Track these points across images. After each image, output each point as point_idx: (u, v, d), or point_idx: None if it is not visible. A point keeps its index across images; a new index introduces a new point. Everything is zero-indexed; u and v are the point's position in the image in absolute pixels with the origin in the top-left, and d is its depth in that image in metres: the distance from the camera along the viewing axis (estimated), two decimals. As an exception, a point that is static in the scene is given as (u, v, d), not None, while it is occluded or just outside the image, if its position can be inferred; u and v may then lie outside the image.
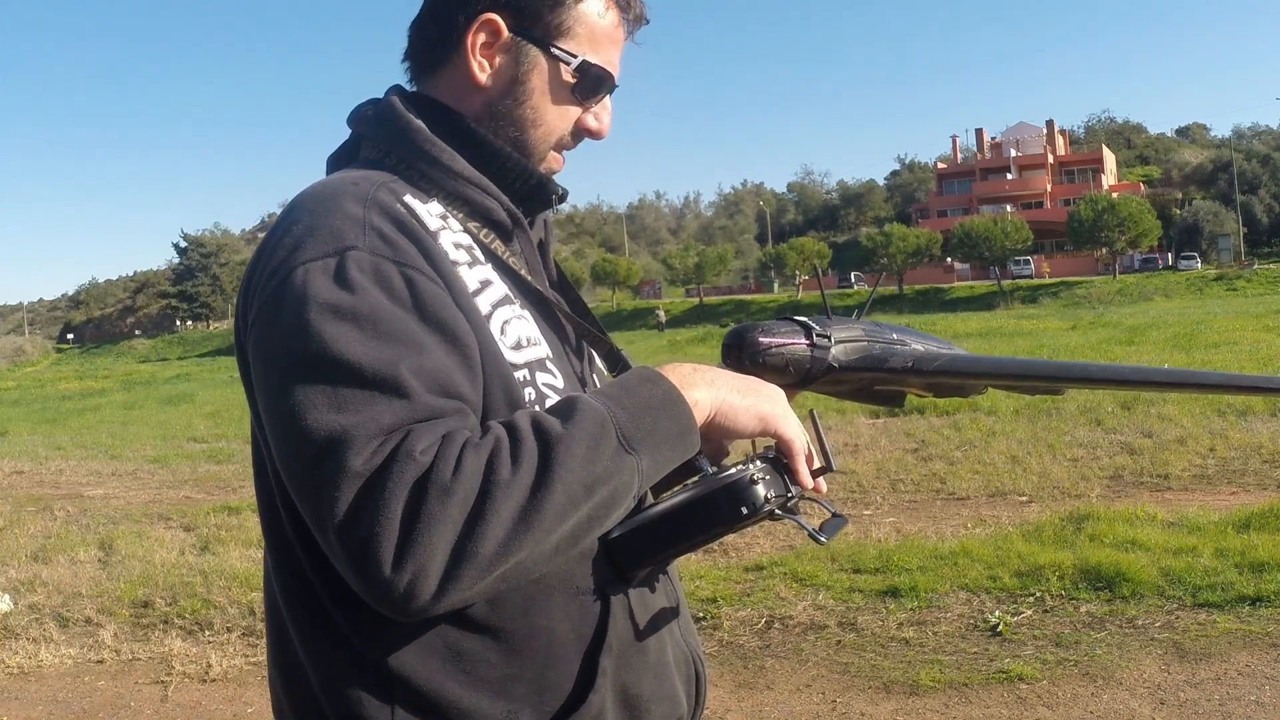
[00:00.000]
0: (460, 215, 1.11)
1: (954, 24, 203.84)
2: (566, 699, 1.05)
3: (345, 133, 1.22)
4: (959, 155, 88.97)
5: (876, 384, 1.51)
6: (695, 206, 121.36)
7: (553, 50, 1.14)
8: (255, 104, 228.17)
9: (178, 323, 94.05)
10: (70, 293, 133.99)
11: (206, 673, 4.71)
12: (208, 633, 5.27)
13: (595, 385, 1.22)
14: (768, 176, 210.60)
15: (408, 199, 1.07)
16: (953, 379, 1.46)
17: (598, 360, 1.27)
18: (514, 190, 1.16)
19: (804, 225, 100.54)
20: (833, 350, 1.38)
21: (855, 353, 1.41)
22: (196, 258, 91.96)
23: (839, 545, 5.86)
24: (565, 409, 0.97)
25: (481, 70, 1.14)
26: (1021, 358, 1.69)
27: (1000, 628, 4.50)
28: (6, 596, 6.04)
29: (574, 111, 1.18)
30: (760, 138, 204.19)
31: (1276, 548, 5.04)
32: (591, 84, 1.17)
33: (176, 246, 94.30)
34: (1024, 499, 7.21)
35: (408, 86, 1.22)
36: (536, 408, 1.05)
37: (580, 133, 1.20)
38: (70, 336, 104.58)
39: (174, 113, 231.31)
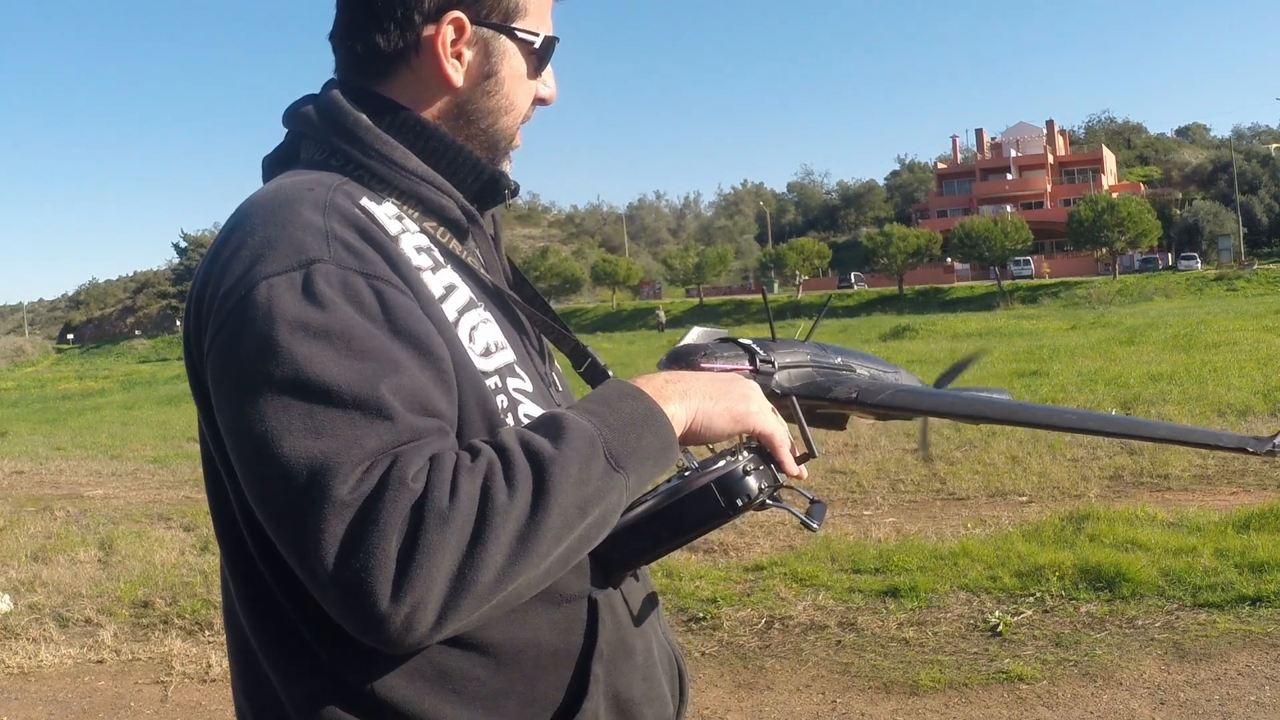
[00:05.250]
0: (415, 215, 1.07)
1: (954, 24, 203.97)
2: (560, 709, 1.03)
3: None
4: (959, 155, 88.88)
5: (819, 409, 1.50)
6: (695, 206, 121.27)
7: (518, 34, 1.11)
8: (256, 104, 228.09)
9: (178, 323, 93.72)
10: (70, 293, 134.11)
11: (206, 673, 4.71)
12: (208, 633, 5.27)
13: (556, 384, 1.20)
14: (768, 176, 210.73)
15: (364, 202, 1.02)
16: (896, 413, 1.46)
17: (555, 358, 1.26)
18: (467, 186, 1.12)
19: (804, 225, 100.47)
20: (776, 376, 1.37)
21: (800, 379, 1.41)
22: (196, 258, 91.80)
23: (839, 545, 5.87)
24: (553, 427, 0.94)
25: (455, 71, 1.09)
26: (968, 395, 1.65)
27: (1000, 628, 4.50)
28: (6, 596, 6.04)
29: (534, 86, 1.16)
30: (760, 138, 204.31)
31: (1276, 548, 5.04)
32: (546, 57, 1.15)
33: (176, 246, 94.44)
34: (1024, 499, 7.21)
35: None
36: (508, 416, 1.03)
37: (535, 103, 1.18)
38: (70, 336, 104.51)
39: (174, 113, 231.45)
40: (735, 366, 1.34)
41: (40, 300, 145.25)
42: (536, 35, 1.12)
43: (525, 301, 1.17)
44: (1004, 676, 4.01)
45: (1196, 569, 4.94)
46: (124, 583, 6.26)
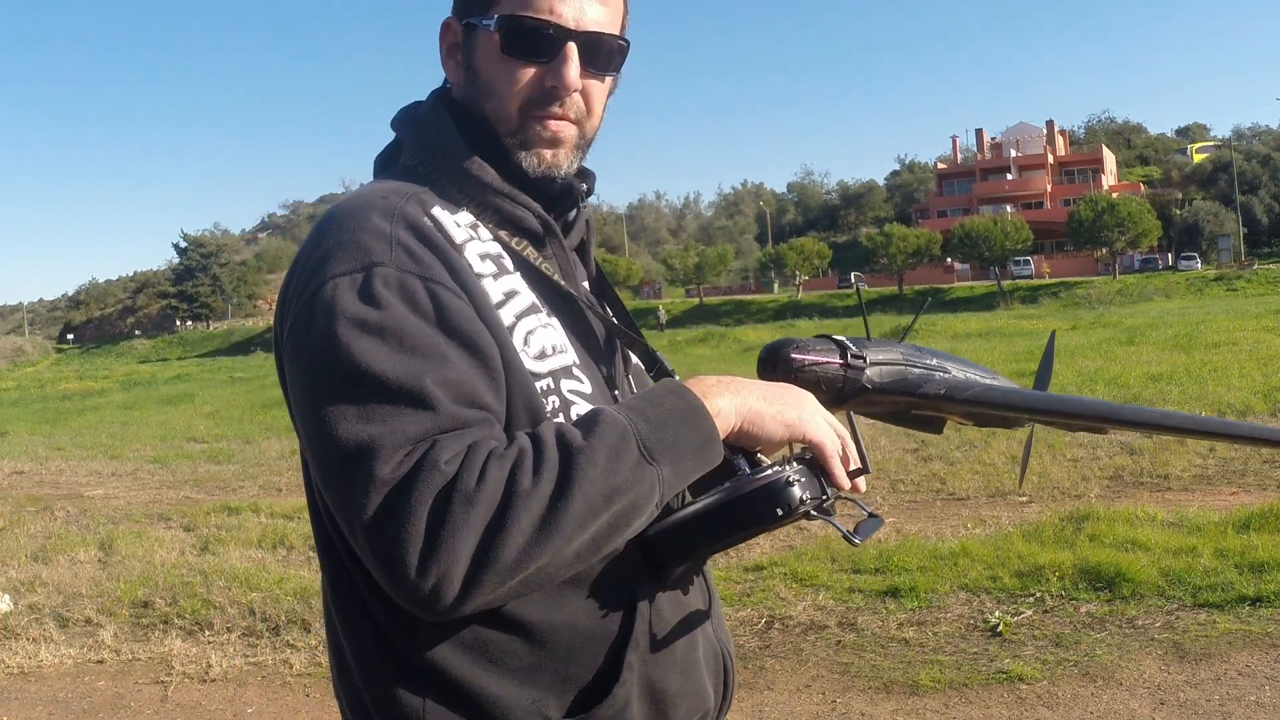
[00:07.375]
0: (491, 224, 1.15)
1: (953, 24, 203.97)
2: (592, 691, 1.09)
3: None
4: (959, 155, 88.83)
5: (913, 408, 1.50)
6: (695, 206, 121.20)
7: (469, 22, 1.17)
8: (255, 104, 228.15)
9: (178, 323, 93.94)
10: (70, 293, 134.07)
11: (206, 673, 4.71)
12: (208, 633, 5.27)
13: (631, 387, 1.25)
14: (768, 176, 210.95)
15: (435, 211, 1.11)
16: (985, 409, 1.45)
17: (634, 360, 1.30)
18: (541, 195, 1.19)
19: (804, 225, 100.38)
20: (867, 372, 1.38)
21: (890, 375, 1.42)
22: (196, 258, 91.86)
23: (839, 545, 5.85)
24: (589, 421, 1.01)
25: (455, 73, 1.20)
26: (1059, 395, 1.59)
27: (1000, 628, 4.50)
28: (6, 596, 6.04)
29: (517, 69, 1.14)
30: (760, 138, 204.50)
31: (1276, 548, 5.04)
32: (522, 36, 1.13)
33: (176, 246, 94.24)
34: (1024, 499, 7.21)
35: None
36: (560, 416, 1.08)
37: (547, 91, 1.14)
38: (70, 336, 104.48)
39: (174, 113, 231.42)
40: (826, 359, 1.35)
41: (40, 300, 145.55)
42: (491, 17, 1.14)
43: (605, 306, 1.26)
44: (1004, 676, 4.01)
45: (1196, 569, 4.94)
46: (124, 583, 6.25)
